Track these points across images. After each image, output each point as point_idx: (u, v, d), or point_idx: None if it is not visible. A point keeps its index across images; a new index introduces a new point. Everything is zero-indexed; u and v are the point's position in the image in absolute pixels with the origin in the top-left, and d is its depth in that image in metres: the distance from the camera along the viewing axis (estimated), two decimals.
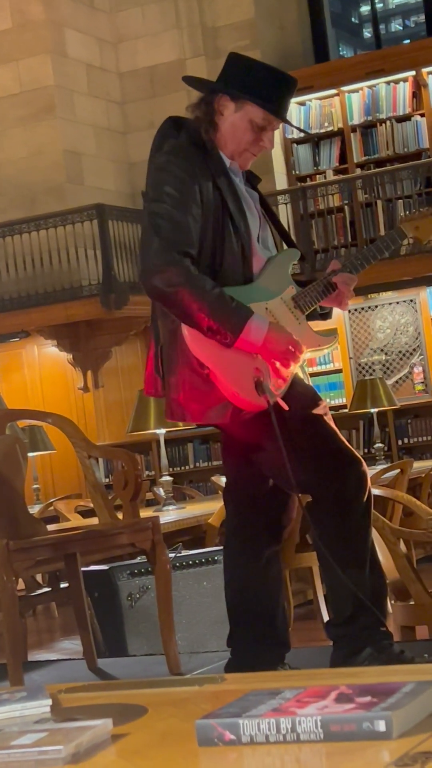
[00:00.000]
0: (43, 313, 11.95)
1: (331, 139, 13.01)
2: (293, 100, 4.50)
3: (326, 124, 12.98)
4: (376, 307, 12.13)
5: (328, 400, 12.52)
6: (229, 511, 3.67)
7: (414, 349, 12.02)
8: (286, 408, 3.31)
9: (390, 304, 12.10)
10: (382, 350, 12.15)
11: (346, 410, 10.18)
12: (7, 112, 12.88)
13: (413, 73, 12.60)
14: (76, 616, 4.51)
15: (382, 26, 22.66)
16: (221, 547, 4.24)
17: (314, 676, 2.30)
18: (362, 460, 3.46)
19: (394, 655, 3.38)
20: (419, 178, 12.33)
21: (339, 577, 3.38)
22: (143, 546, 4.20)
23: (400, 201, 12.35)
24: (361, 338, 12.20)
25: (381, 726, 1.60)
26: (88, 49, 13.31)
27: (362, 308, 12.13)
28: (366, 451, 11.34)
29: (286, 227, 3.82)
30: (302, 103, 12.94)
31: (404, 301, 12.05)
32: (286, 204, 12.26)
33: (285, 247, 3.67)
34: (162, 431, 6.61)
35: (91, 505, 5.38)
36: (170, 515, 5.95)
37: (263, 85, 3.43)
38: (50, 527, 5.09)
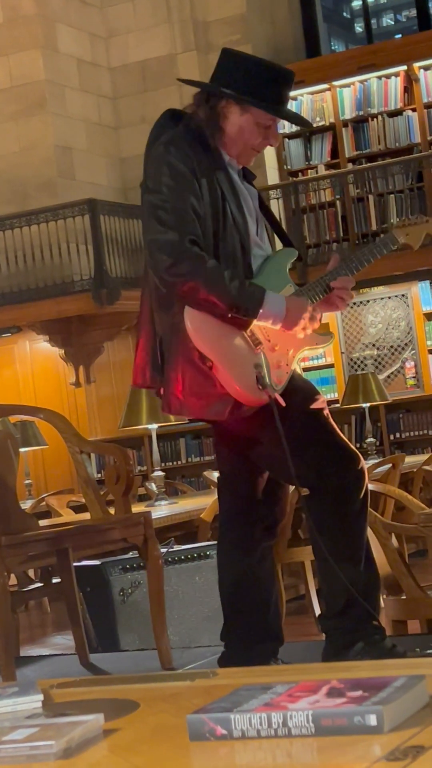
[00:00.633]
0: (35, 308, 11.93)
1: (322, 133, 13.00)
2: None
3: (318, 119, 12.98)
4: (368, 302, 12.14)
5: (324, 398, 12.52)
6: (222, 505, 3.67)
7: (406, 344, 12.03)
8: (284, 404, 3.32)
9: (382, 299, 12.11)
10: (373, 345, 12.15)
11: (338, 405, 10.17)
12: None
13: (405, 67, 12.60)
14: (68, 611, 4.51)
15: (373, 21, 22.65)
16: (213, 542, 4.26)
17: (306, 670, 2.30)
18: (360, 456, 3.47)
19: (386, 649, 3.39)
20: (411, 172, 12.34)
21: (333, 570, 3.39)
22: (135, 541, 4.20)
23: (392, 196, 12.36)
24: (353, 333, 12.21)
25: (372, 720, 1.60)
26: (79, 43, 13.29)
27: (354, 303, 12.13)
28: (358, 445, 11.32)
29: (276, 216, 3.82)
30: (294, 98, 12.93)
31: (396, 296, 12.06)
32: (277, 199, 12.26)
33: (281, 245, 3.69)
34: (154, 426, 6.61)
35: (83, 500, 5.37)
36: (162, 510, 5.94)
37: (265, 86, 3.42)
38: (42, 522, 5.09)
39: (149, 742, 1.79)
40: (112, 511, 4.80)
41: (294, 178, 12.85)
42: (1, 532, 3.90)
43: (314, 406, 3.46)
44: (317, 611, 5.35)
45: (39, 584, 5.12)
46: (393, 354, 12.08)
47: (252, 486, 3.56)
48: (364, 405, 8.69)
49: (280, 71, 3.49)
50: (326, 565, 3.46)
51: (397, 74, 12.69)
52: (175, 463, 12.43)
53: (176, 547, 5.23)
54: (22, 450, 8.38)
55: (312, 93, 12.96)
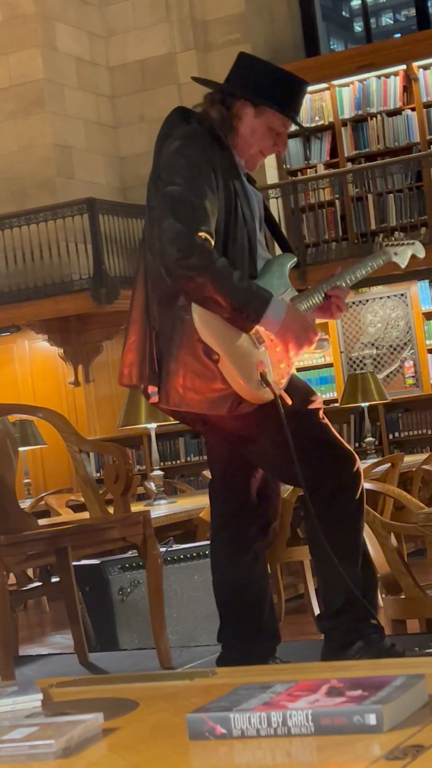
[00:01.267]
0: (34, 307, 11.93)
1: (321, 133, 13.00)
2: None
3: (317, 118, 12.97)
4: (367, 301, 12.14)
5: (319, 395, 12.53)
6: (215, 505, 3.67)
7: (405, 344, 12.03)
8: (290, 402, 3.32)
9: (381, 298, 12.11)
10: (373, 344, 12.15)
11: (337, 404, 10.18)
12: None
13: (404, 67, 12.60)
14: (67, 610, 4.51)
15: (372, 20, 22.65)
16: None
17: (305, 669, 2.30)
18: (357, 457, 3.48)
19: (385, 648, 3.39)
20: (410, 172, 12.34)
21: (330, 570, 3.39)
22: (134, 540, 4.20)
23: (391, 195, 12.36)
24: (352, 332, 12.21)
25: (372, 719, 1.60)
26: (78, 42, 13.29)
27: (353, 302, 12.13)
28: (357, 445, 11.34)
29: (277, 221, 3.82)
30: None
31: (395, 296, 12.06)
32: (277, 198, 12.26)
33: (279, 250, 3.69)
34: (153, 425, 6.61)
35: (82, 499, 5.37)
36: (161, 509, 5.94)
37: (282, 91, 3.45)
38: (41, 522, 5.09)
39: (148, 741, 1.79)
40: (111, 510, 4.80)
41: (293, 178, 12.85)
42: (1, 532, 3.90)
43: (311, 406, 3.47)
44: (316, 610, 5.36)
45: (38, 583, 5.12)
46: (392, 353, 12.08)
47: (244, 486, 3.55)
48: (363, 404, 8.69)
49: (296, 79, 3.51)
50: (323, 566, 3.46)
51: (396, 74, 12.68)
52: (174, 462, 12.43)
53: (175, 547, 5.23)
54: (21, 449, 8.39)
55: (311, 92, 12.95)
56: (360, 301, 12.15)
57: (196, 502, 6.09)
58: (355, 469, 3.44)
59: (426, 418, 11.84)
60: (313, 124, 12.93)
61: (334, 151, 12.97)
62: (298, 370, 3.73)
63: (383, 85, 12.75)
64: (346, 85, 12.89)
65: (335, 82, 12.85)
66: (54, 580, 4.66)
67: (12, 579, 4.51)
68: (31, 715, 1.95)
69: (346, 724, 1.61)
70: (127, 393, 6.73)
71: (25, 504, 8.13)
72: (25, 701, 2.01)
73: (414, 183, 12.34)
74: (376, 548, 4.13)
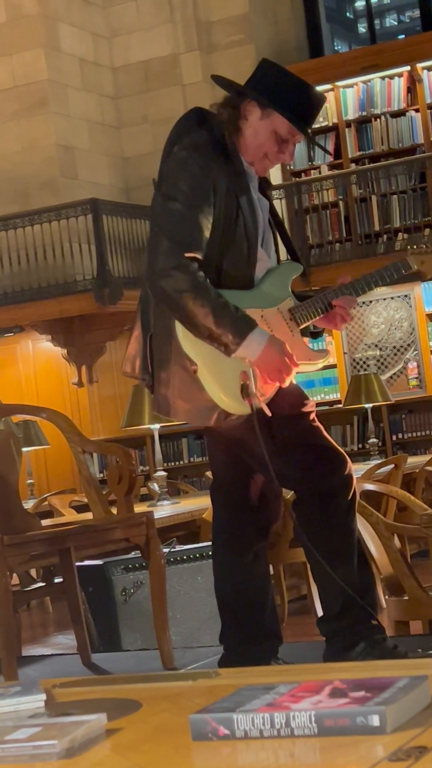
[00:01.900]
0: (37, 307, 11.93)
1: (325, 134, 13.00)
2: None
3: (321, 120, 12.96)
4: (371, 302, 12.13)
5: (322, 395, 12.56)
6: (216, 507, 3.67)
7: (408, 345, 12.02)
8: (270, 414, 3.30)
9: (384, 299, 12.10)
10: (376, 345, 12.15)
11: (341, 405, 10.17)
12: (1, 107, 12.87)
13: (408, 68, 12.59)
14: (70, 610, 4.51)
15: (376, 21, 22.66)
16: None
17: (308, 670, 2.30)
18: (347, 458, 3.47)
19: (388, 649, 3.39)
20: (414, 173, 12.33)
21: (327, 573, 3.39)
22: (137, 541, 4.20)
23: (395, 196, 12.35)
24: (356, 333, 12.21)
25: (375, 720, 1.60)
26: (81, 43, 13.30)
27: (357, 304, 12.12)
28: (360, 446, 11.34)
29: (285, 226, 3.80)
30: (316, 116, 12.90)
31: (399, 297, 12.05)
32: (280, 199, 12.25)
33: (288, 257, 3.68)
34: (156, 426, 6.61)
35: (86, 500, 5.38)
36: (164, 510, 5.95)
37: (293, 98, 3.41)
38: (44, 522, 5.09)
39: (151, 742, 1.79)
40: (114, 510, 4.79)
41: (297, 179, 12.85)
42: (4, 532, 3.90)
43: (302, 409, 3.46)
44: (319, 611, 5.35)
45: (41, 584, 5.12)
46: (396, 355, 12.07)
47: (245, 488, 3.55)
48: (366, 405, 8.69)
49: (311, 90, 3.47)
50: (319, 569, 3.46)
51: (400, 75, 12.68)
52: (177, 463, 12.42)
53: (178, 547, 5.23)
54: (24, 449, 8.38)
55: None
56: (364, 303, 12.14)
57: (199, 503, 6.09)
58: (346, 472, 3.43)
59: (429, 419, 11.83)
60: (317, 125, 12.91)
61: (338, 152, 12.97)
62: (301, 371, 3.69)
63: (387, 86, 12.75)
64: (350, 86, 12.89)
65: (339, 83, 12.85)
66: (57, 580, 4.66)
67: (15, 579, 4.51)
68: (35, 715, 1.95)
69: (349, 725, 1.61)
70: (130, 394, 6.74)
71: (29, 504, 8.14)
72: (29, 701, 2.01)
73: (418, 184, 12.33)
74: (380, 549, 4.13)
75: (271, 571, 4.63)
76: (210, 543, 5.21)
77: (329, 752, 1.58)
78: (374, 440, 8.85)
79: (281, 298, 3.48)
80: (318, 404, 3.68)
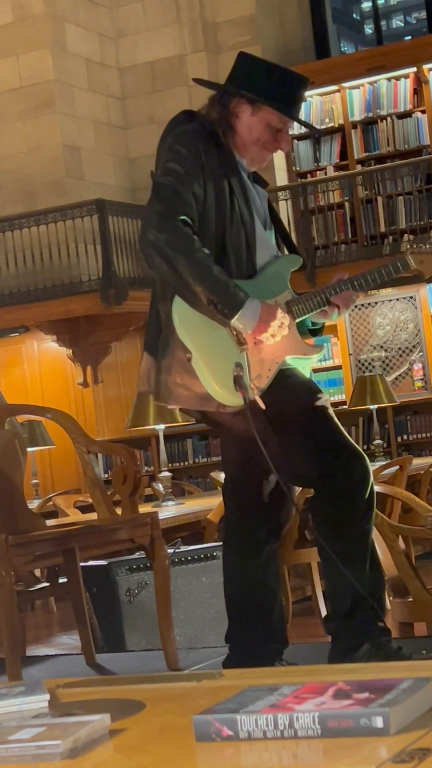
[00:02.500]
0: (43, 308, 11.94)
1: (331, 135, 13.00)
2: None
3: (327, 120, 12.97)
4: (376, 303, 12.13)
5: (327, 397, 12.52)
6: (228, 507, 3.67)
7: (414, 346, 12.02)
8: (264, 407, 3.30)
9: (390, 300, 12.09)
10: (381, 347, 12.14)
11: (346, 407, 10.17)
12: (7, 107, 12.88)
13: (414, 69, 12.59)
14: (74, 611, 4.51)
15: (383, 22, 22.64)
16: (220, 543, 4.25)
17: (312, 672, 2.30)
18: (365, 455, 3.44)
19: (392, 651, 3.38)
20: (420, 174, 12.32)
21: (338, 572, 3.37)
22: (142, 541, 4.20)
23: (401, 197, 12.34)
24: (361, 335, 12.20)
25: (378, 722, 1.60)
26: (88, 43, 13.30)
27: (362, 305, 12.13)
28: (365, 447, 11.32)
29: (286, 223, 3.82)
30: (303, 99, 12.90)
31: (404, 298, 12.05)
32: (286, 200, 12.25)
33: (286, 251, 3.68)
34: (161, 427, 6.61)
35: (90, 500, 5.37)
36: (169, 511, 5.95)
37: (278, 88, 3.46)
38: (49, 522, 5.09)
39: (155, 743, 1.79)
40: (119, 511, 4.79)
41: (303, 180, 12.85)
42: (8, 532, 3.90)
43: (318, 403, 3.43)
44: (323, 613, 5.36)
45: (45, 584, 5.12)
46: (401, 356, 12.07)
47: (258, 489, 3.55)
48: (371, 407, 8.68)
49: (294, 75, 3.52)
50: (331, 567, 3.45)
51: (406, 76, 12.68)
52: (182, 463, 12.42)
53: (183, 548, 5.23)
54: (29, 450, 8.39)
55: (321, 94, 12.96)
56: (369, 304, 12.14)
57: (204, 504, 6.09)
58: (363, 468, 3.41)
59: None
60: (323, 126, 12.92)
61: (343, 154, 12.97)
62: None
63: (393, 87, 12.75)
64: (357, 87, 12.88)
65: (345, 85, 12.85)
66: (61, 580, 4.65)
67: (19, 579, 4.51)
68: (38, 715, 1.96)
69: (352, 726, 1.61)
70: (135, 394, 6.74)
71: (33, 504, 8.14)
72: (33, 701, 2.01)
73: (424, 185, 12.32)
74: (384, 551, 4.12)
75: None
76: (214, 544, 5.23)
77: (333, 754, 1.58)
78: (379, 441, 8.85)
79: (279, 291, 3.48)
80: None
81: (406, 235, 12.16)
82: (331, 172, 12.93)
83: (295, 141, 13.06)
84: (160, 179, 3.35)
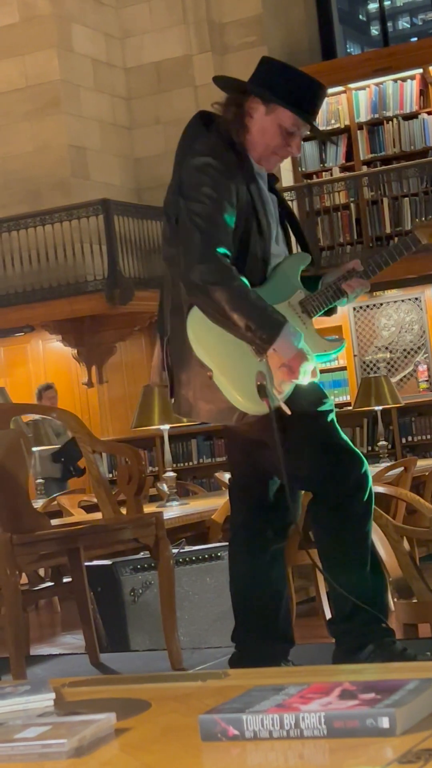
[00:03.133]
0: (48, 307, 11.95)
1: (337, 136, 13.00)
2: None
3: (333, 122, 12.97)
4: (381, 305, 12.13)
5: (332, 398, 12.50)
6: (234, 507, 3.67)
7: (419, 347, 12.01)
8: (289, 413, 3.30)
9: (395, 302, 12.09)
10: (386, 348, 12.14)
11: (350, 408, 10.16)
12: (13, 107, 12.89)
13: (420, 70, 12.59)
14: (78, 610, 4.51)
15: (389, 24, 22.63)
16: (224, 544, 4.25)
17: (318, 672, 2.30)
18: (364, 460, 3.46)
19: (397, 652, 3.39)
20: (426, 176, 12.32)
21: (339, 574, 3.39)
22: (147, 541, 4.20)
23: (406, 199, 12.34)
24: (366, 336, 12.20)
25: (385, 723, 1.60)
26: (94, 44, 13.31)
27: (367, 306, 12.12)
28: (370, 448, 11.32)
29: (297, 219, 3.80)
30: (319, 105, 12.89)
31: (409, 299, 12.04)
32: (292, 201, 12.25)
33: (298, 248, 3.67)
34: (166, 427, 6.61)
35: (95, 500, 5.38)
36: (174, 511, 5.94)
37: (295, 90, 3.43)
38: (54, 522, 5.09)
39: (161, 742, 1.79)
40: (123, 511, 4.80)
41: (308, 181, 12.85)
42: (13, 531, 3.90)
43: (320, 408, 3.45)
44: (328, 613, 5.35)
45: (50, 583, 5.12)
46: (406, 357, 12.06)
47: (263, 488, 3.56)
48: (376, 408, 8.68)
49: (312, 81, 3.49)
50: (331, 569, 3.45)
51: (412, 77, 12.68)
52: (186, 464, 12.43)
53: (187, 548, 5.23)
54: (34, 449, 8.39)
55: (327, 95, 12.89)
56: (374, 305, 12.14)
57: (208, 504, 6.09)
58: (362, 472, 3.42)
59: None
60: (329, 128, 12.92)
61: (349, 155, 12.97)
62: None
63: (399, 88, 12.74)
64: (363, 88, 12.89)
65: (351, 86, 12.85)
66: (66, 580, 4.65)
67: (24, 578, 4.51)
68: (44, 714, 1.95)
69: (358, 727, 1.61)
70: (140, 394, 6.74)
71: (38, 504, 8.14)
72: (38, 700, 2.01)
73: (429, 187, 12.32)
74: (388, 552, 4.12)
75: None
76: (219, 544, 5.23)
77: (338, 754, 1.58)
78: (384, 443, 8.84)
79: (291, 292, 3.48)
80: None
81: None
82: (336, 173, 12.93)
83: (301, 142, 13.03)
84: (195, 207, 3.29)
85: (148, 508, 5.37)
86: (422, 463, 7.64)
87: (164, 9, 13.50)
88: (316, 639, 5.27)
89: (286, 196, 12.15)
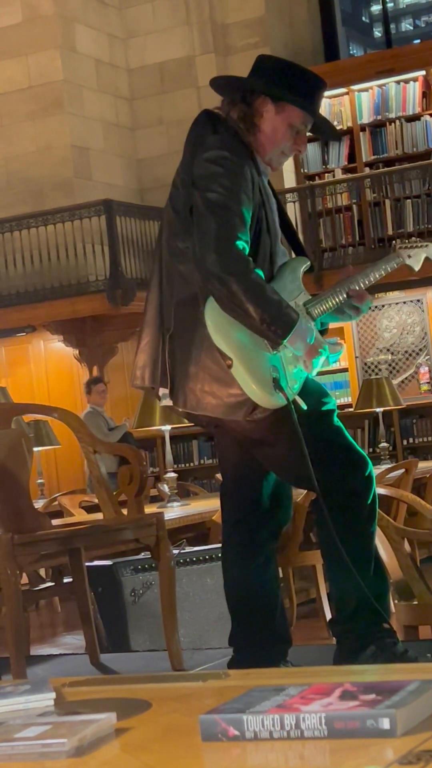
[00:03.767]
0: (50, 308, 11.95)
1: (340, 137, 12.99)
2: None
3: (335, 123, 12.97)
4: (383, 306, 12.13)
5: (334, 401, 12.50)
6: (226, 508, 3.66)
7: (420, 349, 12.01)
8: (305, 407, 3.31)
9: (397, 303, 12.09)
10: (388, 350, 12.14)
11: (352, 409, 10.16)
12: (16, 107, 12.89)
13: (423, 72, 12.59)
14: (79, 611, 4.51)
15: (392, 26, 22.64)
16: None
17: (318, 673, 2.30)
18: (369, 460, 3.46)
19: (398, 653, 3.38)
20: (428, 178, 12.32)
21: (342, 574, 3.38)
22: (147, 542, 4.19)
23: (409, 201, 12.34)
24: (368, 338, 12.19)
25: (385, 724, 1.60)
26: (97, 44, 13.31)
27: (368, 297, 12.11)
28: (371, 450, 11.32)
29: (294, 226, 3.81)
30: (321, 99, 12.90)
31: (411, 301, 12.04)
32: (294, 202, 12.25)
33: (293, 253, 3.68)
34: (167, 428, 6.61)
35: (96, 500, 5.37)
36: (174, 512, 5.95)
37: (300, 87, 3.44)
38: (55, 522, 5.09)
39: (161, 742, 1.79)
40: (124, 511, 4.80)
41: (311, 182, 12.85)
42: (14, 531, 3.90)
43: (324, 408, 3.44)
44: (328, 615, 5.35)
45: (50, 583, 5.12)
46: (407, 359, 12.06)
47: (256, 489, 3.55)
48: (377, 410, 8.68)
49: (314, 76, 3.50)
50: (334, 570, 3.45)
51: (415, 79, 12.67)
52: (187, 464, 12.43)
53: (188, 549, 5.23)
54: (35, 449, 8.39)
55: (330, 97, 12.95)
56: (376, 307, 12.14)
57: (209, 505, 6.09)
58: (367, 473, 3.42)
59: None
60: None
61: (352, 156, 12.97)
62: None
63: (402, 90, 12.74)
64: (365, 90, 12.88)
65: (354, 87, 12.85)
66: (66, 580, 4.65)
67: (24, 578, 4.51)
68: (44, 713, 1.96)
69: (359, 727, 1.61)
70: (141, 395, 6.74)
71: (39, 504, 8.14)
72: (39, 700, 2.01)
73: None
74: (389, 554, 4.12)
75: (281, 574, 4.63)
76: (220, 545, 5.23)
77: (339, 755, 1.58)
78: (385, 444, 8.84)
79: (296, 293, 3.48)
80: None
81: (413, 238, 12.14)
82: (339, 175, 12.93)
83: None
84: (213, 197, 3.28)
85: (149, 509, 5.36)
86: (423, 465, 7.64)
87: (167, 10, 13.50)
88: (317, 640, 5.28)
89: (288, 197, 12.15)
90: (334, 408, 3.48)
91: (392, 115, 12.76)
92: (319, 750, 1.60)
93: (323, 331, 3.68)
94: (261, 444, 3.44)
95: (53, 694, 2.04)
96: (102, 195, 12.32)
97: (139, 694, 2.12)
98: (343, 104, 12.98)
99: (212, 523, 5.69)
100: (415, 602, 4.10)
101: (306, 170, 13.12)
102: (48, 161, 12.76)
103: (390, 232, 12.37)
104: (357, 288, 3.55)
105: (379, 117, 12.82)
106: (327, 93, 13.47)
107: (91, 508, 7.72)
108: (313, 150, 13.10)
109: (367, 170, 12.79)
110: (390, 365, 12.09)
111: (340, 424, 3.45)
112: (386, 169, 12.58)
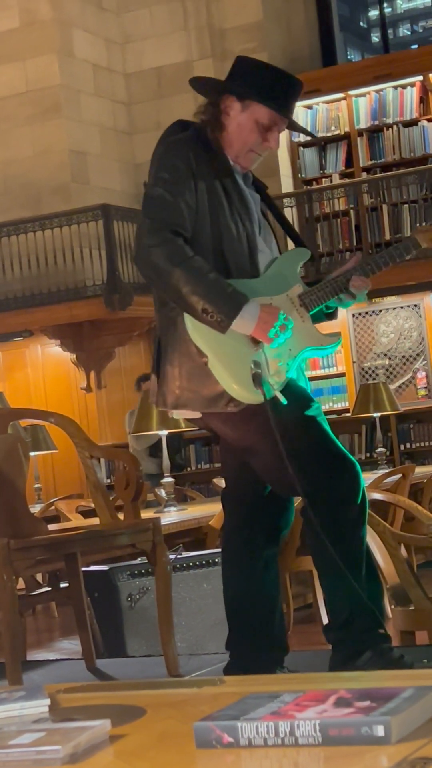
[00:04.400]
0: (47, 312, 11.95)
1: (337, 142, 13.01)
2: (300, 104, 4.51)
3: (333, 128, 12.98)
4: (380, 311, 12.13)
5: (330, 404, 12.54)
6: (227, 513, 3.66)
7: (417, 354, 12.01)
8: (285, 402, 3.31)
9: (394, 308, 12.10)
10: (385, 355, 12.14)
11: (349, 414, 10.16)
12: (14, 111, 12.90)
13: (420, 78, 12.60)
14: (75, 616, 4.50)
15: (390, 31, 22.66)
16: (221, 550, 4.23)
17: (313, 679, 2.29)
18: (356, 462, 3.44)
19: (394, 659, 3.37)
20: (425, 183, 12.33)
21: (335, 580, 3.37)
22: (144, 547, 4.19)
23: (406, 206, 12.35)
24: (365, 342, 12.20)
25: (380, 731, 1.60)
26: (95, 49, 13.32)
27: (366, 312, 12.12)
28: (368, 455, 11.33)
29: (289, 220, 3.81)
30: (309, 107, 12.94)
31: (408, 306, 12.05)
32: (291, 207, 12.26)
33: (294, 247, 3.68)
34: (164, 433, 6.61)
35: (92, 505, 5.37)
36: (171, 517, 5.94)
37: (269, 86, 3.45)
38: (51, 527, 5.09)
39: (155, 749, 1.79)
40: (121, 516, 4.79)
41: (308, 187, 12.85)
42: (10, 536, 3.90)
43: (308, 412, 3.43)
44: (325, 620, 5.35)
45: (47, 588, 5.12)
46: (405, 364, 12.06)
47: (256, 494, 3.55)
48: (374, 414, 8.67)
49: (286, 76, 3.52)
50: (327, 576, 3.44)
51: (413, 84, 12.68)
52: (184, 469, 12.42)
53: (184, 554, 5.23)
54: (32, 454, 8.38)
55: (327, 102, 12.97)
56: (373, 311, 12.14)
57: (206, 510, 6.09)
58: (354, 476, 3.40)
59: None
60: (329, 134, 12.93)
61: (349, 161, 12.98)
62: (310, 378, 3.73)
63: (400, 95, 12.75)
64: (363, 95, 12.89)
65: (352, 92, 12.86)
66: (63, 585, 4.65)
67: (21, 583, 4.51)
68: (39, 720, 1.95)
69: (353, 735, 1.61)
70: (138, 399, 6.74)
71: (36, 509, 8.14)
72: (33, 706, 2.01)
73: (429, 194, 12.33)
74: (386, 559, 4.12)
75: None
76: (216, 550, 5.22)
77: (333, 762, 1.58)
78: (382, 449, 8.84)
79: (289, 285, 3.48)
80: (326, 413, 3.68)
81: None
82: (336, 180, 12.94)
83: (301, 148, 13.08)
84: (150, 191, 3.37)
85: (146, 514, 5.36)
86: (420, 470, 7.64)
87: (165, 14, 13.51)
88: (313, 646, 5.27)
89: (286, 202, 12.16)
90: (319, 413, 3.46)
91: (390, 120, 12.77)
92: (313, 757, 1.60)
93: (332, 315, 3.64)
94: (249, 452, 3.44)
95: (48, 701, 2.03)
96: (99, 200, 12.32)
97: (134, 700, 2.11)
98: (341, 109, 12.98)
99: (209, 528, 5.68)
100: (412, 608, 4.10)
101: (303, 175, 13.13)
102: (45, 166, 12.76)
103: (387, 237, 12.37)
104: (362, 276, 3.51)
105: (376, 122, 12.83)
106: (324, 98, 13.50)
107: (88, 513, 7.72)
108: (310, 155, 13.11)
109: (364, 175, 12.79)
110: (387, 370, 12.09)
111: (326, 428, 3.43)
112: (384, 174, 12.59)
